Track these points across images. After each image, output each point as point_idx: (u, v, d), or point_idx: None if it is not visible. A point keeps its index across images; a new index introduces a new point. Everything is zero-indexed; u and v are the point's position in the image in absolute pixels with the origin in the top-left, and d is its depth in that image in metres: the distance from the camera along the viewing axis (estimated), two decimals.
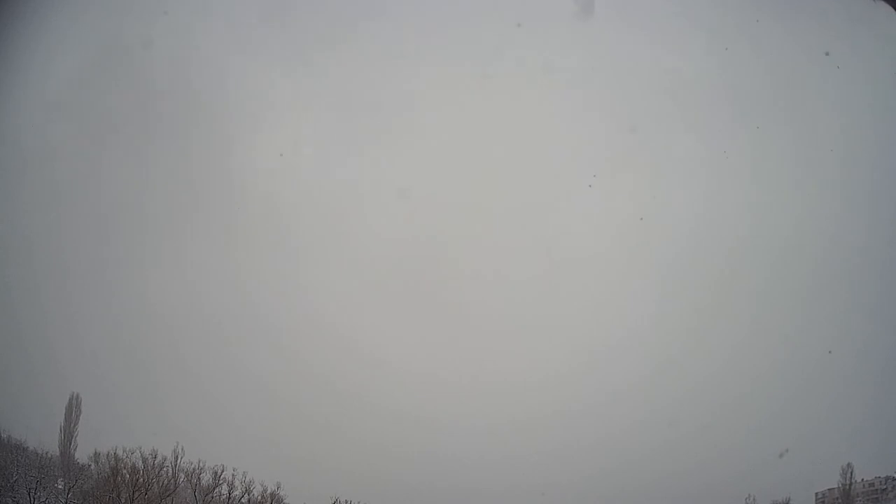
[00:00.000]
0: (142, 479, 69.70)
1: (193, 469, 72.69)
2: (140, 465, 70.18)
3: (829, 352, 71.07)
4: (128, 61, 73.51)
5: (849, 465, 74.35)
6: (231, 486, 73.08)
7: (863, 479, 74.90)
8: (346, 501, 73.84)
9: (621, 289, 77.19)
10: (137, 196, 77.27)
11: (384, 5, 76.37)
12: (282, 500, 73.09)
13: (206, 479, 73.03)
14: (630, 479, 71.03)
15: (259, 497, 72.91)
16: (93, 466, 72.79)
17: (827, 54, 65.20)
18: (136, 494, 68.75)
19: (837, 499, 75.33)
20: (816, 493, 75.89)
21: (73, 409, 73.64)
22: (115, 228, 77.19)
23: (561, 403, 71.90)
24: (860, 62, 66.75)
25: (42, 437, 70.57)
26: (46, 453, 70.97)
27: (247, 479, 72.82)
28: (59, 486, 70.16)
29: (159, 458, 70.92)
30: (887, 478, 74.85)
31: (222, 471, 72.67)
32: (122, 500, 68.39)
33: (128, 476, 69.37)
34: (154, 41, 71.61)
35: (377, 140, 78.51)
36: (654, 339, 74.30)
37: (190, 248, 77.82)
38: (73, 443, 73.56)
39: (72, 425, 73.60)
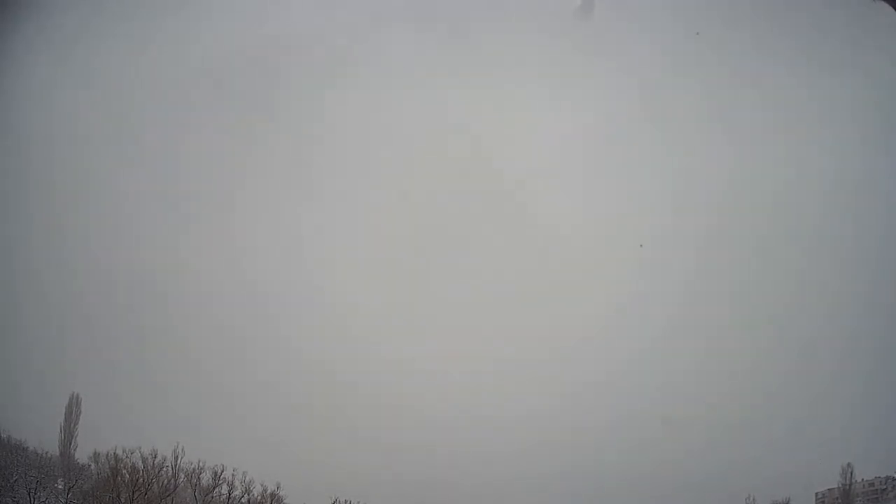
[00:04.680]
0: (142, 479, 69.76)
1: (193, 469, 72.79)
2: (140, 465, 70.32)
3: (829, 350, 71.40)
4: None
5: (849, 465, 74.35)
6: (231, 486, 73.17)
7: (863, 479, 74.87)
8: (347, 501, 73.94)
9: (622, 286, 77.10)
10: (139, 194, 77.17)
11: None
12: (282, 500, 73.12)
13: (206, 479, 73.15)
14: (629, 478, 71.02)
15: (259, 497, 72.94)
16: (93, 466, 72.89)
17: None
18: (136, 494, 68.79)
19: (837, 499, 75.28)
20: (816, 493, 75.86)
21: (73, 409, 73.67)
22: (117, 227, 77.12)
23: (559, 404, 71.88)
24: (860, 62, 66.83)
25: (42, 437, 70.71)
26: (46, 453, 71.01)
27: (247, 479, 72.92)
28: (59, 486, 70.18)
29: (159, 458, 71.09)
30: (887, 478, 74.83)
31: (222, 471, 72.72)
32: (122, 501, 68.42)
33: (128, 476, 69.43)
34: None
35: (378, 140, 78.62)
36: (654, 339, 74.22)
37: (191, 249, 77.68)
38: (73, 443, 73.63)
39: (72, 425, 73.63)
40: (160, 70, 74.97)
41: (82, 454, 73.35)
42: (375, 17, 76.01)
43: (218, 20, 75.14)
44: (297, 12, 76.25)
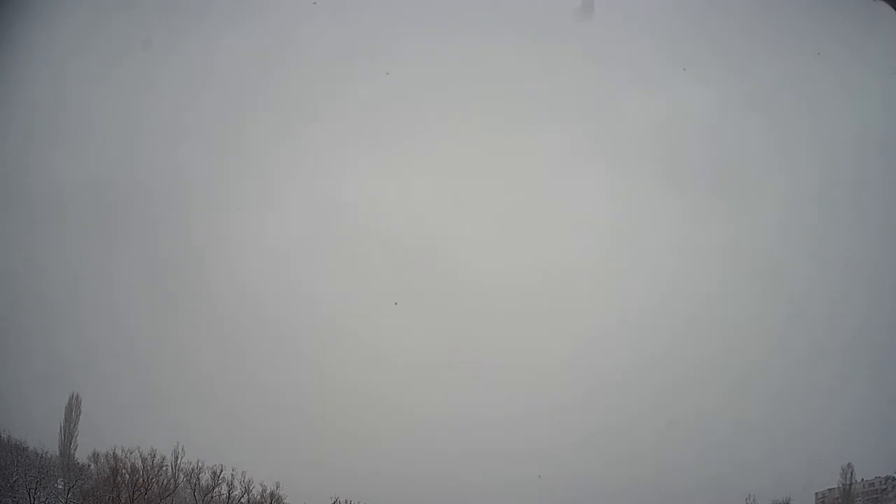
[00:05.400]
0: (141, 479, 69.86)
1: (193, 469, 72.93)
2: (140, 465, 70.39)
3: (829, 351, 71.42)
4: None
5: (849, 465, 74.37)
6: (231, 486, 73.31)
7: (863, 479, 74.86)
8: (346, 501, 73.96)
9: (620, 283, 77.16)
10: (138, 193, 77.28)
11: None
12: (282, 500, 73.19)
13: (206, 479, 73.26)
14: (629, 478, 71.02)
15: (259, 497, 73.02)
16: (93, 466, 72.96)
17: (818, 54, 65.50)
18: (136, 494, 68.91)
19: (837, 499, 75.27)
20: (816, 493, 75.83)
21: (73, 409, 73.66)
22: (116, 228, 77.19)
23: (561, 403, 71.84)
24: (860, 62, 66.78)
25: (42, 437, 70.71)
26: (46, 453, 71.00)
27: (246, 479, 73.07)
28: (59, 486, 70.23)
29: (159, 458, 71.20)
30: (887, 478, 74.78)
31: (222, 471, 72.86)
32: (122, 500, 68.53)
33: (127, 476, 69.54)
34: None
35: (377, 139, 78.69)
36: (653, 339, 74.25)
37: (192, 249, 77.79)
38: (73, 443, 73.61)
39: (72, 425, 73.61)
40: (161, 69, 75.16)
41: (82, 454, 73.50)
42: None
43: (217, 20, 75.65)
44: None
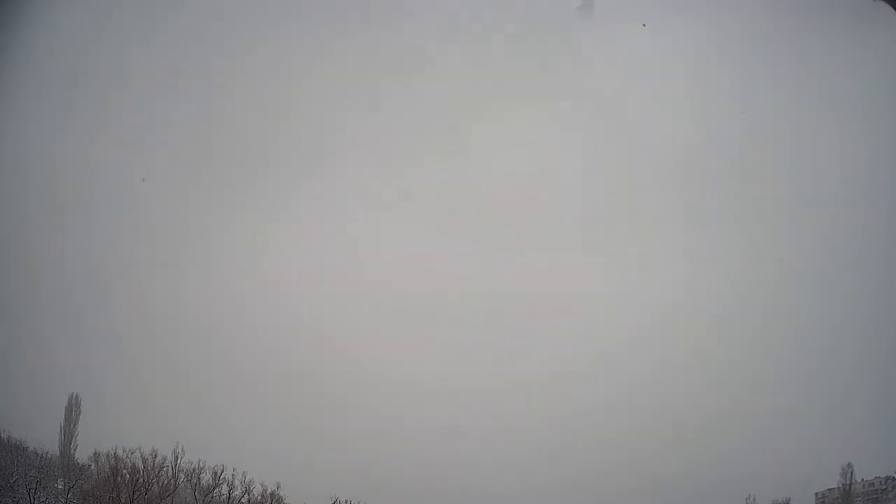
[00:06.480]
0: (142, 480, 69.77)
1: (193, 469, 72.82)
2: (140, 465, 70.33)
3: (828, 351, 71.51)
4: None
5: (849, 465, 74.43)
6: (231, 486, 73.21)
7: (863, 479, 74.91)
8: (346, 501, 73.94)
9: (624, 291, 77.19)
10: (136, 196, 77.27)
11: None
12: (282, 500, 73.09)
13: (206, 479, 73.17)
14: (631, 479, 71.14)
15: (259, 497, 72.94)
16: (93, 466, 72.98)
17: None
18: (136, 494, 68.80)
19: (837, 499, 75.31)
20: (816, 493, 75.89)
21: (73, 409, 73.70)
22: (114, 229, 77.21)
23: (561, 406, 71.93)
24: (860, 62, 66.82)
25: (42, 437, 70.72)
26: (46, 453, 71.01)
27: (247, 479, 72.95)
28: (59, 486, 70.17)
29: (159, 458, 71.12)
30: (887, 478, 74.83)
31: (222, 471, 72.74)
32: (122, 501, 68.42)
33: (128, 476, 69.46)
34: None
35: (374, 144, 78.89)
36: (655, 341, 74.31)
37: (189, 249, 77.85)
38: (73, 443, 73.67)
39: (72, 425, 73.65)
40: (157, 67, 75.22)
41: (82, 454, 73.52)
42: None
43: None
44: None
